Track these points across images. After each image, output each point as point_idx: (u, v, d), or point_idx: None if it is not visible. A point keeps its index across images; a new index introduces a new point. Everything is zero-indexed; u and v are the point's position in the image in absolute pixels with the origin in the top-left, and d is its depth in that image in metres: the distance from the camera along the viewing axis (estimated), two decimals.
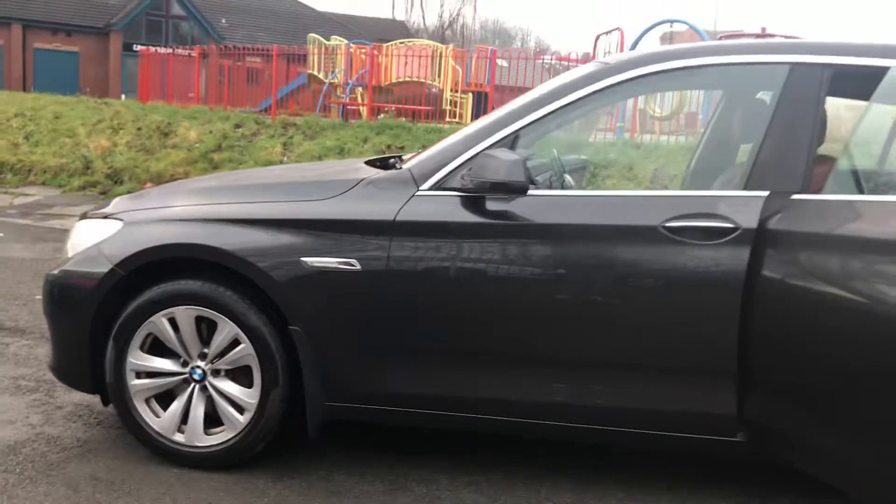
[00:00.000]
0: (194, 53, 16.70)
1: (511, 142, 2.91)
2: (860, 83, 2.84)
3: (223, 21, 39.66)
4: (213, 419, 3.10)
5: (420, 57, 14.86)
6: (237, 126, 12.80)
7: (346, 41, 15.99)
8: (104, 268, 3.03)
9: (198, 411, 3.08)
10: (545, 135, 3.10)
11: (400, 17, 46.80)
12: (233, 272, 2.96)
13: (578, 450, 3.34)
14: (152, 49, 20.95)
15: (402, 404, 2.97)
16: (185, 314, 3.01)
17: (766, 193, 2.72)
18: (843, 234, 2.59)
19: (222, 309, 2.97)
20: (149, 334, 3.06)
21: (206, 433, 3.09)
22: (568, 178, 3.68)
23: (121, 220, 3.17)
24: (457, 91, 14.79)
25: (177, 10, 37.72)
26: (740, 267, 2.66)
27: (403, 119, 13.22)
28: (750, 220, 2.67)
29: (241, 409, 3.04)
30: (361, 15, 47.46)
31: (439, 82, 14.84)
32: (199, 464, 3.09)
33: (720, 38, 17.35)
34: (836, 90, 2.94)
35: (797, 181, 2.71)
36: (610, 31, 17.95)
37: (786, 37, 18.71)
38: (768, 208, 2.69)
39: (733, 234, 2.68)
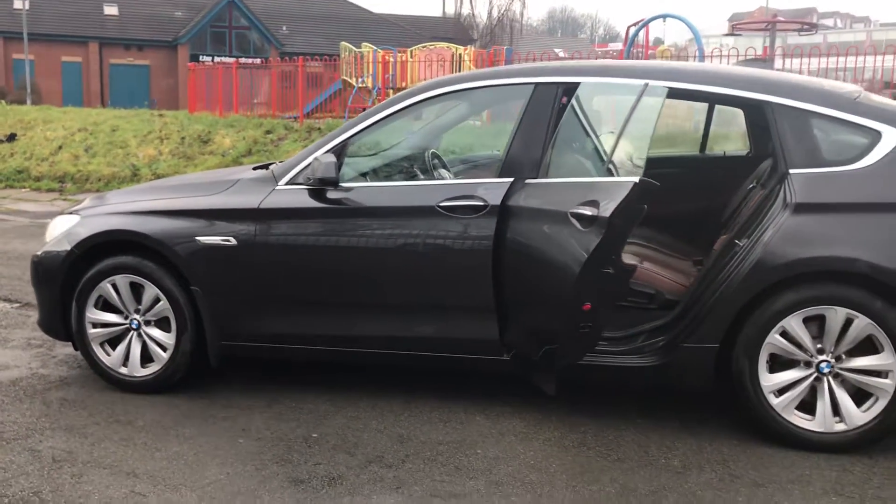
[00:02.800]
0: (234, 65, 18.18)
1: (340, 149, 4.00)
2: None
3: (283, 28, 41.51)
4: (146, 356, 4.28)
5: (439, 60, 15.95)
6: (268, 132, 14.16)
7: (373, 47, 17.19)
8: (66, 249, 4.25)
9: (136, 351, 4.27)
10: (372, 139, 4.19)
11: (450, 12, 47.59)
12: (152, 249, 4.14)
13: (411, 376, 4.42)
14: (204, 61, 22.57)
15: (274, 341, 4.11)
16: (123, 281, 4.21)
17: (511, 180, 3.75)
18: (535, 206, 3.61)
19: (147, 276, 4.16)
20: (100, 296, 4.26)
21: (142, 366, 4.27)
22: (443, 171, 4.74)
23: (79, 214, 4.39)
24: None
25: (239, 20, 39.72)
26: (490, 232, 3.70)
27: None
28: (496, 199, 3.71)
29: (164, 349, 4.22)
30: (416, 14, 48.75)
31: None
32: (137, 389, 4.28)
33: (734, 26, 17.98)
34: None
35: (534, 170, 3.73)
36: (637, 23, 18.83)
37: (802, 23, 19.18)
38: (511, 190, 3.72)
39: (485, 210, 3.72)
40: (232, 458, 3.55)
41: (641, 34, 19.61)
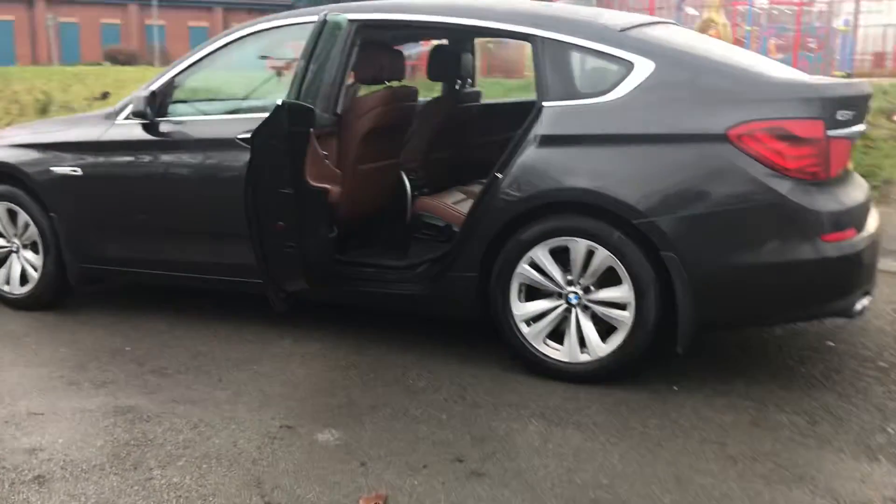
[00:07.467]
0: None
1: (167, 84, 4.30)
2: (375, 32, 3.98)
3: None
4: (25, 277, 4.76)
5: None
6: None
7: None
8: None
9: (15, 271, 4.74)
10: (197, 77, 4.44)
11: None
12: (21, 179, 4.58)
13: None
14: None
15: (119, 265, 4.48)
16: (2, 207, 4.68)
17: None
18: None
19: (19, 203, 4.61)
20: None
21: (21, 285, 4.75)
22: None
23: None
24: None
25: None
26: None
27: None
28: None
29: (35, 269, 4.68)
30: None
31: None
32: (18, 305, 4.75)
33: None
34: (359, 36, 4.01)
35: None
36: None
37: None
38: None
39: None
40: (42, 362, 3.95)
41: None
